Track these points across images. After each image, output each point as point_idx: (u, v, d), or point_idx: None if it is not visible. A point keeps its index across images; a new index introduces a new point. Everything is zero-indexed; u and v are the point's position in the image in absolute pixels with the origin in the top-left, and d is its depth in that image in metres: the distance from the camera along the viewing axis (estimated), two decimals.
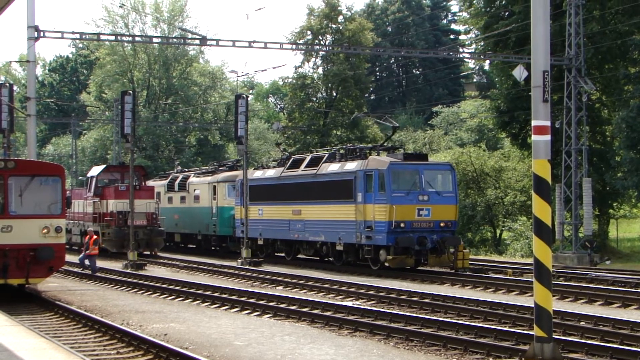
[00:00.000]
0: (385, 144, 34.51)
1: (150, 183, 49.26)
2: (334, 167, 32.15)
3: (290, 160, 36.03)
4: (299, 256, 35.86)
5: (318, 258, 34.62)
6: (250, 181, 36.89)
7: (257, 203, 36.84)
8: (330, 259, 32.99)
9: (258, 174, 37.86)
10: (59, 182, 22.39)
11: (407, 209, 28.56)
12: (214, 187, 42.06)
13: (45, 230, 21.60)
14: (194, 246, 45.68)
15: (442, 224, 29.08)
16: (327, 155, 33.77)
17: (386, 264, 29.26)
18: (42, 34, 31.08)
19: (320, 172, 32.75)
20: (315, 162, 33.84)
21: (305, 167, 34.21)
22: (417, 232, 28.65)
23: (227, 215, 40.02)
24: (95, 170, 43.00)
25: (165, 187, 47.73)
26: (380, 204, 28.89)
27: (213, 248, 42.89)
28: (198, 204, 43.55)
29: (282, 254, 36.56)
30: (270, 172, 37.00)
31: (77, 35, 36.36)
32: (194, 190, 44.35)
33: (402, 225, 28.43)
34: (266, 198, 36.55)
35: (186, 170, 50.61)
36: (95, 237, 30.96)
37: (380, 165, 29.27)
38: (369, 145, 36.75)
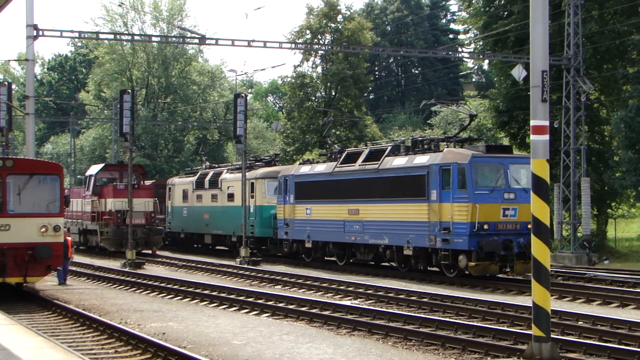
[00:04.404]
0: (459, 135, 30.48)
1: (175, 180, 47.54)
2: (400, 161, 28.59)
3: (345, 154, 32.41)
4: (352, 261, 32.25)
5: (373, 263, 31.48)
6: (296, 177, 34.28)
7: (305, 201, 33.64)
8: (393, 264, 29.66)
9: (305, 169, 34.43)
10: (58, 181, 22.37)
11: (491, 209, 25.27)
12: (252, 184, 38.02)
13: (44, 229, 21.57)
14: (226, 249, 41.74)
15: (529, 226, 26.74)
16: (389, 147, 30.12)
17: (466, 272, 25.82)
18: (41, 32, 31.03)
19: (384, 167, 29.13)
20: (376, 156, 30.17)
21: (364, 161, 30.54)
22: (502, 235, 25.31)
23: (267, 215, 36.80)
24: (94, 169, 42.98)
25: (194, 184, 44.04)
26: (460, 202, 25.49)
27: (250, 251, 39.49)
28: (232, 202, 39.69)
29: (334, 258, 33.08)
30: (320, 167, 33.36)
31: (76, 34, 36.47)
32: (228, 187, 40.55)
33: (485, 227, 25.10)
34: (316, 196, 33.08)
35: (216, 166, 46.94)
36: (69, 238, 27.83)
37: (460, 159, 25.76)
38: (440, 137, 32.60)
